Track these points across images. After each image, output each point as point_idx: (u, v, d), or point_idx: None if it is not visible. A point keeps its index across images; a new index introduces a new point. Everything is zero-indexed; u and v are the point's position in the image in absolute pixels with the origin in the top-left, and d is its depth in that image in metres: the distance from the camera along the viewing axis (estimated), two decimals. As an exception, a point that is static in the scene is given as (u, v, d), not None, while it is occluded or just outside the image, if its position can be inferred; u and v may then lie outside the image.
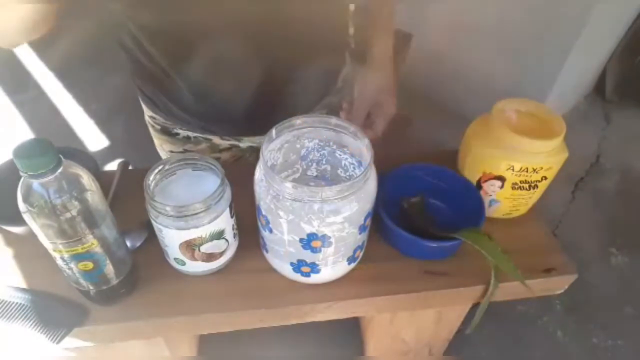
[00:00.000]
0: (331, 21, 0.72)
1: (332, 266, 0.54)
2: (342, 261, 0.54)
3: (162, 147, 0.87)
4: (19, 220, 0.43)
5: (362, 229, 0.51)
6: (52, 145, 0.40)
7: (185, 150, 0.84)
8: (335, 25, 0.74)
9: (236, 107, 0.77)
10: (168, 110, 0.78)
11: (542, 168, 0.59)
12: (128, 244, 0.57)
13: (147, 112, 0.83)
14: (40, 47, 2.18)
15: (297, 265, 0.53)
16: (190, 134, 0.81)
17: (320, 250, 0.50)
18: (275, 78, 0.69)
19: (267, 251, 0.56)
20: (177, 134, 0.82)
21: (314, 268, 0.53)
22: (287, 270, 0.56)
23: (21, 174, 0.40)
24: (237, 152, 0.87)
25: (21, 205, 0.41)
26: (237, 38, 0.71)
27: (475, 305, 0.61)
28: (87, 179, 0.44)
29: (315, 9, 0.67)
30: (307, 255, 0.51)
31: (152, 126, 0.85)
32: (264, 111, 0.76)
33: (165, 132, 0.83)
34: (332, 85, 0.85)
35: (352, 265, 0.57)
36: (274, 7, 0.65)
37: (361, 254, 0.58)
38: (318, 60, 0.72)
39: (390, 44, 0.75)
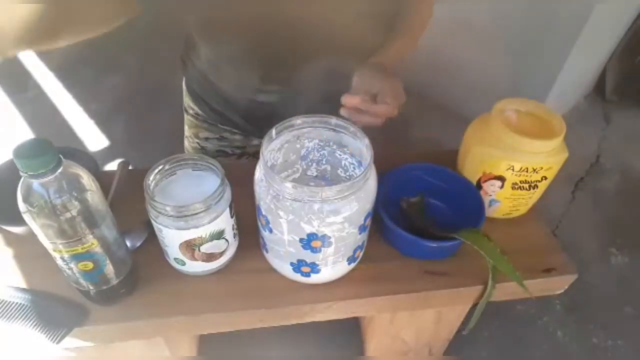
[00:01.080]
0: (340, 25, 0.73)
1: (332, 266, 0.54)
2: (342, 261, 0.54)
3: (198, 135, 0.91)
4: (19, 220, 0.43)
5: (362, 229, 0.51)
6: (52, 145, 0.40)
7: (222, 137, 0.90)
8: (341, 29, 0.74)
9: (239, 104, 0.79)
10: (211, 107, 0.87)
11: (542, 168, 0.59)
12: (128, 244, 0.57)
13: (192, 108, 0.92)
14: (40, 47, 2.18)
15: (297, 265, 0.53)
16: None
17: (320, 250, 0.50)
18: (279, 79, 0.69)
19: (267, 251, 0.57)
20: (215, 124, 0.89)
21: (314, 268, 0.53)
22: (287, 270, 0.56)
23: (21, 174, 0.40)
24: None
25: (21, 205, 0.41)
26: (243, 38, 0.71)
27: (476, 305, 0.61)
28: (87, 179, 0.44)
29: (322, 12, 0.67)
30: (307, 255, 0.51)
31: (195, 116, 0.91)
32: (268, 113, 0.77)
33: (205, 121, 0.90)
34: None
35: (352, 265, 0.57)
36: (279, 8, 0.65)
37: (361, 254, 0.58)
38: (323, 63, 0.72)
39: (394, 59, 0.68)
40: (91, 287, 0.51)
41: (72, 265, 0.47)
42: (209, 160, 0.53)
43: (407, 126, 1.91)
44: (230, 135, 0.89)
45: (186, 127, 0.95)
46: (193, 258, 0.54)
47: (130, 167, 0.71)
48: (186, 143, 0.96)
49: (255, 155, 0.93)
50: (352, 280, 0.58)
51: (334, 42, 0.70)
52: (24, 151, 0.39)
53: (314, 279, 0.55)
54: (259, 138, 0.90)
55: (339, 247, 0.51)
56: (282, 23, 0.68)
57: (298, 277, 0.56)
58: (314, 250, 0.50)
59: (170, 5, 0.70)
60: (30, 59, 2.14)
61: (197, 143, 0.92)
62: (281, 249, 0.52)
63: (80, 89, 2.02)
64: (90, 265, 0.47)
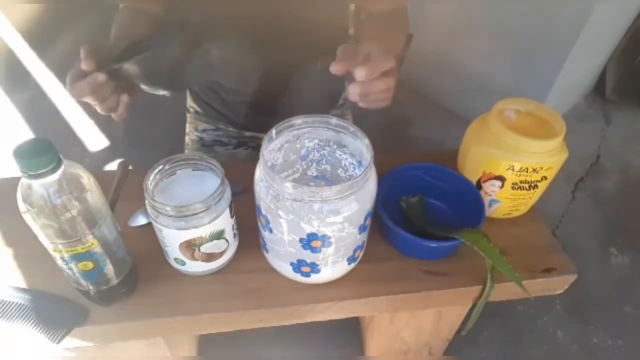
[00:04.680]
0: (335, 24, 0.73)
1: (332, 266, 0.54)
2: (342, 261, 0.54)
3: (197, 128, 0.95)
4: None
5: (362, 229, 0.51)
6: (52, 145, 0.40)
7: (218, 128, 0.93)
8: (339, 28, 0.75)
9: (239, 105, 0.80)
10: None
11: (542, 168, 0.59)
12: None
13: (192, 107, 0.96)
14: (40, 47, 2.18)
15: (297, 265, 0.53)
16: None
17: (320, 250, 0.50)
18: (278, 77, 0.70)
19: (267, 251, 0.57)
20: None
21: (314, 268, 0.53)
22: (287, 270, 0.56)
23: (21, 173, 0.40)
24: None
25: (21, 206, 0.42)
26: (241, 37, 0.72)
27: (475, 306, 0.61)
28: (87, 179, 0.44)
29: (319, 11, 0.67)
30: (307, 255, 0.51)
31: (194, 114, 0.96)
32: (267, 110, 0.78)
33: (204, 115, 0.94)
34: (335, 100, 0.90)
35: (352, 265, 0.57)
36: (280, 8, 0.65)
37: (361, 254, 0.58)
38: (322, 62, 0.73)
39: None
40: (91, 287, 0.51)
41: (72, 265, 0.47)
42: (209, 160, 0.53)
43: (407, 126, 1.91)
44: (225, 127, 0.93)
45: (187, 124, 0.97)
46: (193, 258, 0.54)
47: (130, 167, 0.71)
48: (187, 138, 0.98)
49: (254, 148, 0.94)
50: (352, 280, 0.58)
51: (329, 41, 0.70)
52: (24, 151, 0.39)
53: (314, 279, 0.55)
54: (253, 132, 0.92)
55: (339, 247, 0.51)
56: (278, 21, 0.68)
57: (298, 277, 0.56)
58: (314, 250, 0.50)
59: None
60: (30, 59, 2.14)
61: (196, 135, 0.95)
62: (281, 249, 0.52)
63: (80, 89, 2.02)
64: (90, 265, 0.47)
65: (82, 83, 0.54)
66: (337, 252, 0.52)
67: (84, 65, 0.54)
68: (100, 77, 0.54)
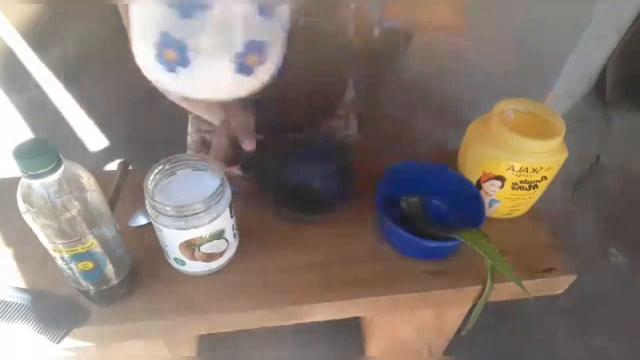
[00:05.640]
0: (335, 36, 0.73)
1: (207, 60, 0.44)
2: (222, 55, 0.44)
3: (200, 128, 0.94)
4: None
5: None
6: (52, 145, 0.40)
7: None
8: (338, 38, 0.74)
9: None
10: None
11: (542, 168, 0.59)
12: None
13: None
14: (40, 47, 2.18)
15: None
16: None
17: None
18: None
19: None
20: None
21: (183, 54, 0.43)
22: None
23: (21, 173, 0.40)
24: None
25: (21, 206, 0.42)
26: None
27: (475, 306, 0.61)
28: (87, 179, 0.44)
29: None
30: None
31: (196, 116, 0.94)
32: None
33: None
34: (333, 110, 0.89)
35: (239, 76, 0.46)
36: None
37: (259, 67, 0.47)
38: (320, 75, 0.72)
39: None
40: (91, 287, 0.51)
41: (72, 265, 0.47)
42: (209, 160, 0.53)
43: (408, 126, 1.91)
44: None
45: (189, 125, 0.96)
46: (193, 258, 0.54)
47: (130, 167, 0.72)
48: (188, 139, 0.97)
49: None
50: (352, 281, 0.58)
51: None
52: (24, 151, 0.39)
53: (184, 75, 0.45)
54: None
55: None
56: None
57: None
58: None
59: None
60: (30, 59, 2.14)
61: (199, 136, 0.94)
62: None
63: (80, 89, 2.03)
64: (90, 265, 0.47)
65: (222, 166, 0.63)
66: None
67: (249, 148, 0.62)
68: (236, 171, 0.63)
